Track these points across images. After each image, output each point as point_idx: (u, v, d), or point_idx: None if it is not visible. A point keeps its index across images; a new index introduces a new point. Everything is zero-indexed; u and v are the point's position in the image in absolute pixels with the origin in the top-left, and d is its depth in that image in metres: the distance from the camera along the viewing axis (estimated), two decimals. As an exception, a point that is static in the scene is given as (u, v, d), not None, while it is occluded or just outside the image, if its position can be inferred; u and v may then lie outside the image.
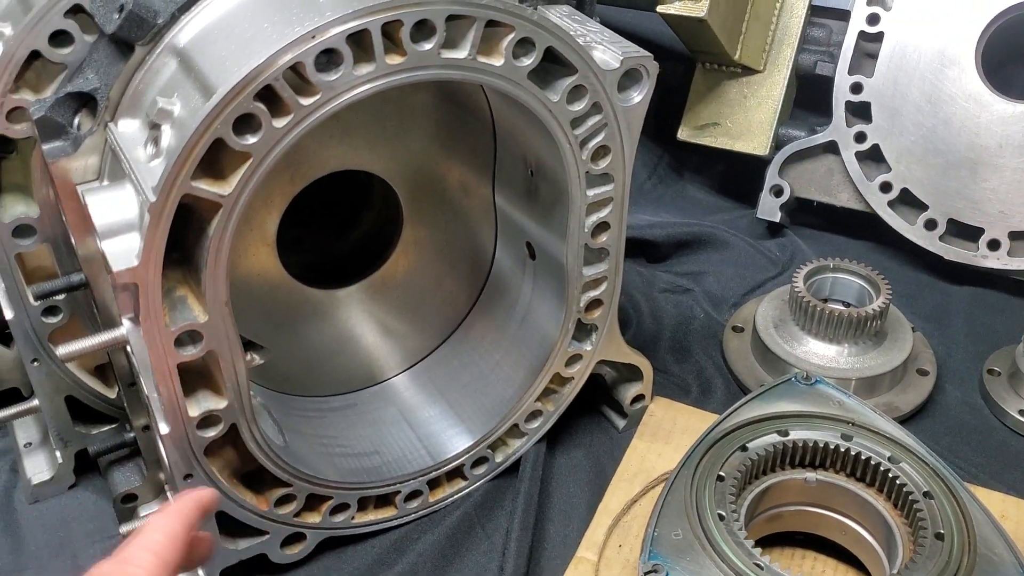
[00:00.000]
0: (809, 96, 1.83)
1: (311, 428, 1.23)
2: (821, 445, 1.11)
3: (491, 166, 1.26)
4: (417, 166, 1.23)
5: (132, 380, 1.13)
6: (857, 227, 1.78)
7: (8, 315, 1.14)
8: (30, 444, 1.32)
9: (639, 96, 1.08)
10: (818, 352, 1.40)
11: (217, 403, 1.00)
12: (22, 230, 1.10)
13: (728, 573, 0.96)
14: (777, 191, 1.76)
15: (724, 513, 1.02)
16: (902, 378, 1.41)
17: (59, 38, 1.01)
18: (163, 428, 0.98)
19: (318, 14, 0.86)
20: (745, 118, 1.77)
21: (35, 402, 1.25)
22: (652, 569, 0.96)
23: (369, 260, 1.28)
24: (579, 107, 1.04)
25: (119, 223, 0.90)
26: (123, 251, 0.88)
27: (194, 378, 1.00)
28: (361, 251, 1.30)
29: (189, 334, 0.94)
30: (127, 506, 1.22)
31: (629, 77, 1.06)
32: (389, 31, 0.89)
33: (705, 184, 1.97)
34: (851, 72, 1.67)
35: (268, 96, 0.86)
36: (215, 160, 0.88)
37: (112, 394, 1.25)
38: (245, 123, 0.86)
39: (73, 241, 1.05)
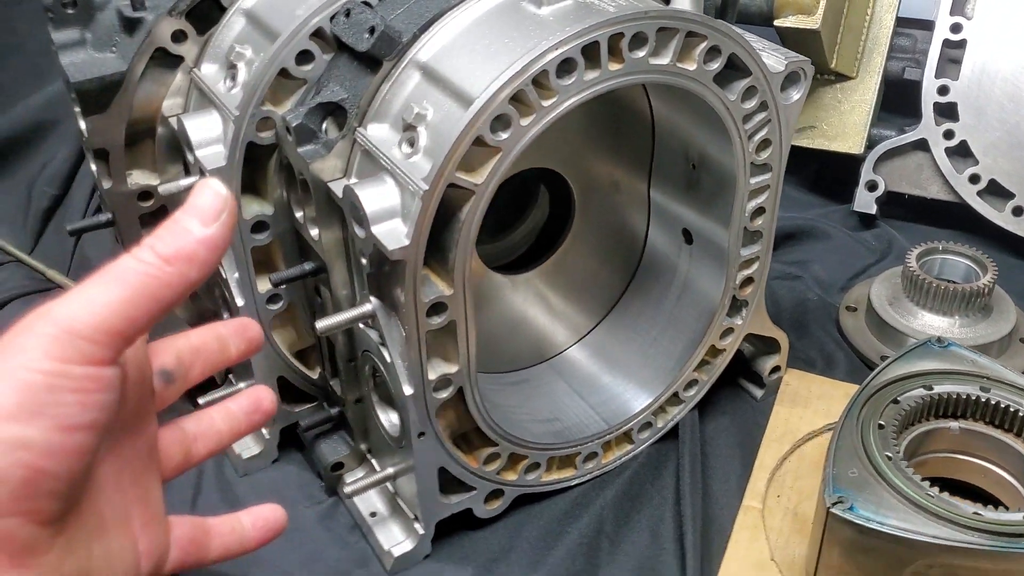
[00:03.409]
0: (891, 100, 1.99)
1: (496, 399, 1.38)
2: (964, 396, 1.25)
3: (647, 163, 1.41)
4: (588, 164, 1.38)
5: (351, 356, 1.28)
6: (944, 216, 1.93)
7: (240, 302, 1.29)
8: (238, 422, 1.47)
9: (797, 94, 1.23)
10: (932, 324, 1.55)
11: (449, 368, 1.15)
12: (259, 226, 1.26)
13: (904, 502, 1.10)
14: (872, 186, 1.91)
15: (891, 455, 1.16)
16: (1008, 347, 1.56)
17: (303, 57, 1.18)
18: (407, 390, 1.13)
19: (558, 30, 1.02)
20: (840, 120, 1.93)
21: (241, 385, 1.41)
22: (838, 500, 1.10)
23: (541, 248, 1.44)
24: (750, 105, 1.20)
25: (385, 210, 1.04)
26: (391, 233, 1.03)
27: (429, 346, 1.15)
28: (535, 240, 1.45)
29: (435, 306, 1.09)
30: (335, 473, 1.36)
31: (790, 79, 1.22)
32: (611, 43, 1.05)
33: (798, 183, 2.12)
34: (937, 76, 1.83)
35: (516, 99, 1.02)
36: (467, 155, 1.03)
37: (314, 375, 1.40)
38: (499, 122, 1.01)
39: (313, 233, 1.20)
